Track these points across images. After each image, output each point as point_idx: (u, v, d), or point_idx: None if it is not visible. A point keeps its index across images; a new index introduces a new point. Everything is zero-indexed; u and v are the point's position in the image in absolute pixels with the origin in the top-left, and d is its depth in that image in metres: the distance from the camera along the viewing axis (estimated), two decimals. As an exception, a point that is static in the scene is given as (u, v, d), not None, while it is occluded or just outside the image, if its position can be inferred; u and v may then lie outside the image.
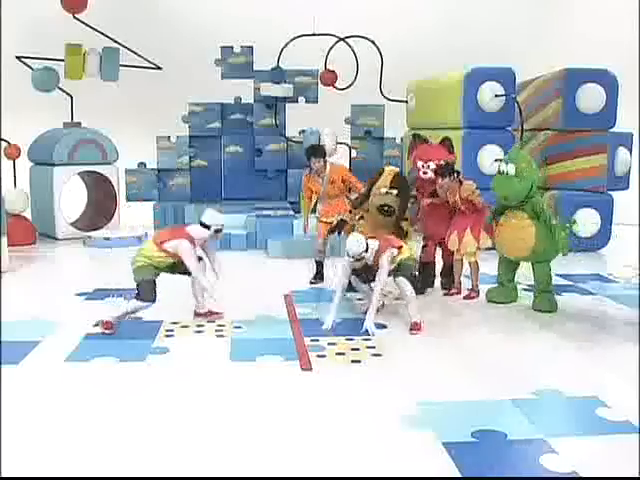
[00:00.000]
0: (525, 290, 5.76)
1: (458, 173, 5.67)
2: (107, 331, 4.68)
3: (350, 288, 5.22)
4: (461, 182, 5.62)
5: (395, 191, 5.62)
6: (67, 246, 8.26)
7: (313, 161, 6.24)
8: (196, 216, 8.79)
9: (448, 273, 5.95)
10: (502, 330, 4.81)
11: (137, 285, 4.76)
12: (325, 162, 6.25)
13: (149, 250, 4.77)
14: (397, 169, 5.95)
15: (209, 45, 9.64)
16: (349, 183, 6.27)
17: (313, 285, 6.20)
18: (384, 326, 4.86)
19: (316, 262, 6.35)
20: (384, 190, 5.62)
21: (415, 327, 4.75)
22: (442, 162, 5.75)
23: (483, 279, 5.91)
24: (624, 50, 9.54)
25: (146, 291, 4.72)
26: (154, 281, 4.77)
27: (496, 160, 6.41)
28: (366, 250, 4.68)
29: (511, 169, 5.20)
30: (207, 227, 4.91)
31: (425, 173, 5.83)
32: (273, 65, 9.48)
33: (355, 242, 4.68)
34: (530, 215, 5.26)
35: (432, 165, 5.80)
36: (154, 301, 4.75)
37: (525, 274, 5.61)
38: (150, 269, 4.74)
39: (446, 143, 5.99)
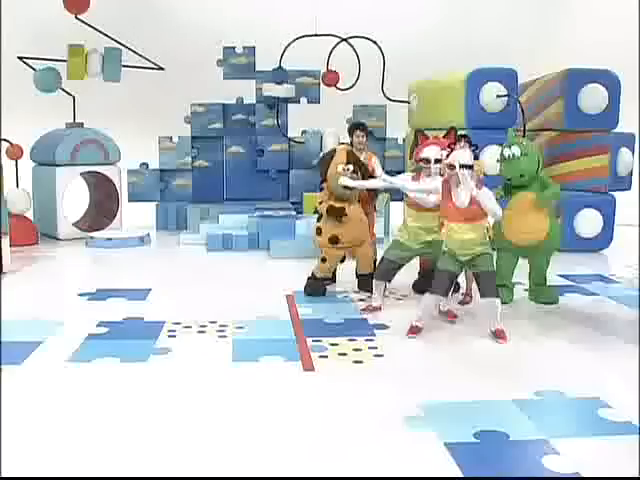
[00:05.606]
0: (526, 290, 5.76)
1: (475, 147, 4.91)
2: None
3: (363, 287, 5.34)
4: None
5: (351, 167, 5.32)
6: (69, 246, 8.26)
7: (357, 134, 5.67)
8: (197, 216, 8.92)
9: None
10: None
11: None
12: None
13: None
14: (349, 147, 5.58)
15: (211, 46, 9.65)
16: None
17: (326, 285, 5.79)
18: (386, 326, 4.86)
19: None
20: (340, 167, 5.33)
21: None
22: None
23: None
24: (627, 51, 9.54)
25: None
26: None
27: (497, 161, 6.39)
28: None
29: (516, 150, 5.20)
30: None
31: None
32: (275, 65, 9.47)
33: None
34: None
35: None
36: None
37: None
38: None
39: (453, 134, 5.26)
